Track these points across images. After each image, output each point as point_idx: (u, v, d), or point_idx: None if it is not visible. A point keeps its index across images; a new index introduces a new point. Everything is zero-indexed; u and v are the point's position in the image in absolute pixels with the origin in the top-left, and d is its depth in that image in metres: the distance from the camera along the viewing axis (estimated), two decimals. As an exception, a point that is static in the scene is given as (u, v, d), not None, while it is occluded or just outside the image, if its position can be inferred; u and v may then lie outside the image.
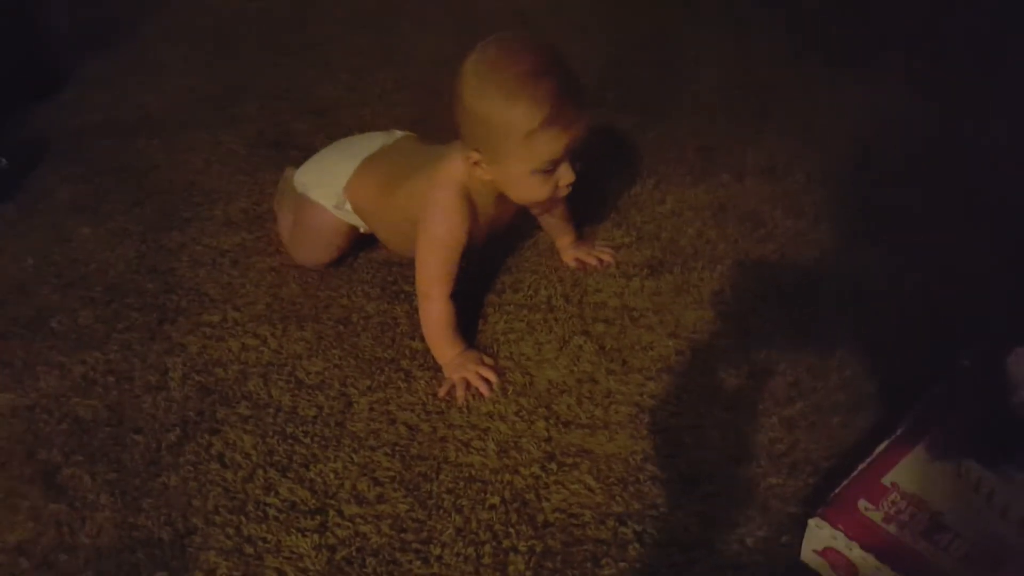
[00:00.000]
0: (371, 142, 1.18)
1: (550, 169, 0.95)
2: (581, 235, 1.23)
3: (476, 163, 0.97)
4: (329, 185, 1.14)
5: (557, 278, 1.18)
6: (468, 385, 1.01)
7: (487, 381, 1.01)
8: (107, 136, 1.59)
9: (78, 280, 1.22)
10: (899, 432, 0.84)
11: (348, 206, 1.14)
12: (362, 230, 1.18)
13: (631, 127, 1.55)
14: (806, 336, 1.07)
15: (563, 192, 0.99)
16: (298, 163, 1.45)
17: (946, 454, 0.81)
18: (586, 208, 1.27)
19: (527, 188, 0.98)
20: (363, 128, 1.56)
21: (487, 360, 1.04)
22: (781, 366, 1.02)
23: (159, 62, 1.88)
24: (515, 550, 0.83)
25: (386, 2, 2.14)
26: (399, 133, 1.20)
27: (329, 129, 1.57)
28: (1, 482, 0.93)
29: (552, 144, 0.92)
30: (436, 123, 1.55)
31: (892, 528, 0.75)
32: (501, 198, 1.03)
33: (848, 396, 0.98)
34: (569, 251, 1.21)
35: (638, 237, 1.26)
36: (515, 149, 0.93)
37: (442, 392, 1.01)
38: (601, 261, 1.20)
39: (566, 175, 0.97)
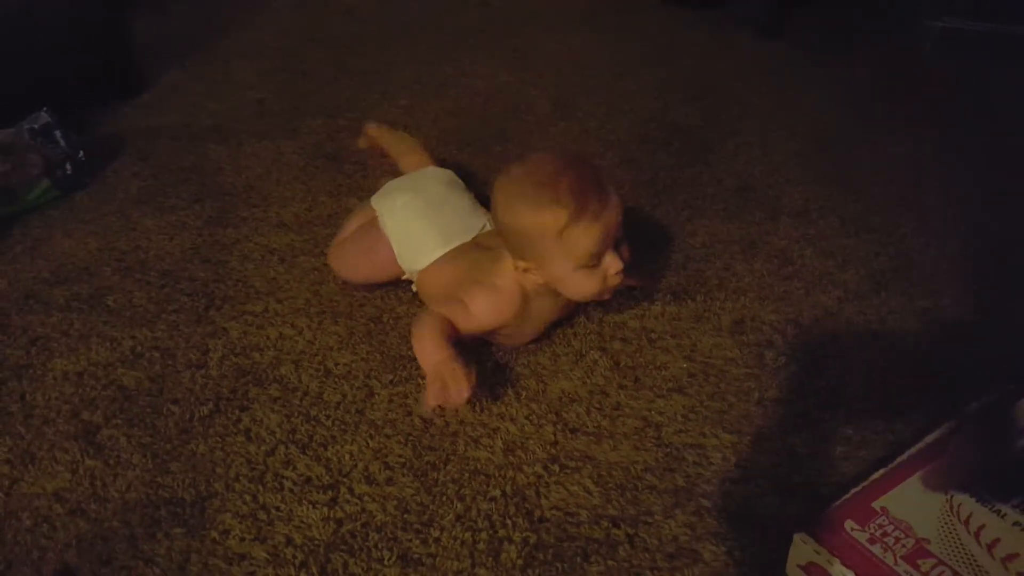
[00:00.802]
0: (466, 223, 1.17)
1: (594, 263, 0.98)
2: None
3: (526, 271, 1.02)
4: (407, 259, 1.17)
5: (582, 297, 1.22)
6: (442, 395, 0.95)
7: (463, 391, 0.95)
8: (179, 139, 1.70)
9: (136, 265, 1.31)
10: (897, 462, 0.86)
11: (413, 285, 1.19)
12: (413, 288, 1.20)
13: (671, 163, 1.60)
14: (820, 370, 1.09)
15: (613, 281, 1.01)
16: (351, 176, 1.55)
17: (940, 486, 0.82)
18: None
19: (577, 286, 1.01)
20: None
21: (471, 376, 0.96)
22: (791, 396, 1.04)
23: (234, 76, 2.01)
24: (510, 540, 0.86)
25: (450, 35, 2.25)
26: (486, 216, 1.18)
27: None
28: (47, 436, 1.00)
29: (586, 236, 0.95)
30: (481, 147, 1.64)
31: (876, 549, 0.76)
32: (557, 297, 1.06)
33: (855, 430, 0.99)
34: None
35: (665, 265, 1.30)
36: (554, 250, 0.96)
37: (428, 404, 0.96)
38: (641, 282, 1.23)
39: (613, 264, 0.99)
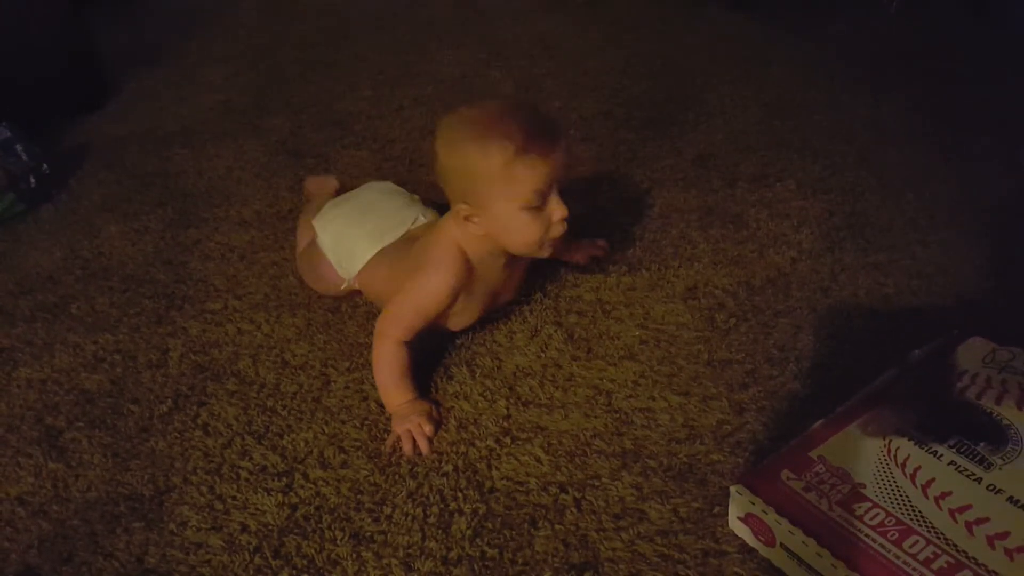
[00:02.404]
0: (396, 219, 1.16)
1: (538, 204, 0.95)
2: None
3: (467, 217, 0.97)
4: (344, 266, 1.16)
5: (539, 273, 1.23)
6: (407, 448, 0.96)
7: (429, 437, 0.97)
8: (144, 144, 1.72)
9: (100, 271, 1.33)
10: (836, 411, 0.87)
11: (357, 285, 1.18)
12: (368, 298, 1.20)
13: (632, 138, 1.60)
14: (770, 329, 1.09)
15: (557, 230, 0.97)
16: (312, 170, 1.56)
17: (879, 431, 0.83)
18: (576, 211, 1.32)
19: (520, 229, 0.96)
20: (375, 138, 1.67)
21: (434, 414, 1.00)
22: (740, 355, 1.05)
23: (200, 79, 2.02)
24: (460, 512, 0.88)
25: (417, 25, 2.26)
26: (421, 209, 1.18)
27: (345, 139, 1.67)
28: (11, 442, 1.02)
29: (532, 172, 0.92)
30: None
31: (811, 496, 0.77)
32: (501, 261, 1.03)
33: (803, 386, 1.00)
34: (578, 253, 1.23)
35: (622, 238, 1.30)
36: (498, 187, 0.93)
37: (387, 446, 0.97)
38: (603, 250, 1.25)
39: (557, 208, 0.95)
